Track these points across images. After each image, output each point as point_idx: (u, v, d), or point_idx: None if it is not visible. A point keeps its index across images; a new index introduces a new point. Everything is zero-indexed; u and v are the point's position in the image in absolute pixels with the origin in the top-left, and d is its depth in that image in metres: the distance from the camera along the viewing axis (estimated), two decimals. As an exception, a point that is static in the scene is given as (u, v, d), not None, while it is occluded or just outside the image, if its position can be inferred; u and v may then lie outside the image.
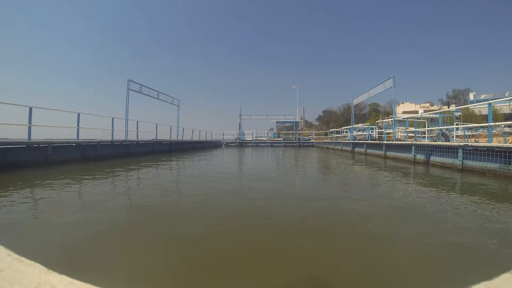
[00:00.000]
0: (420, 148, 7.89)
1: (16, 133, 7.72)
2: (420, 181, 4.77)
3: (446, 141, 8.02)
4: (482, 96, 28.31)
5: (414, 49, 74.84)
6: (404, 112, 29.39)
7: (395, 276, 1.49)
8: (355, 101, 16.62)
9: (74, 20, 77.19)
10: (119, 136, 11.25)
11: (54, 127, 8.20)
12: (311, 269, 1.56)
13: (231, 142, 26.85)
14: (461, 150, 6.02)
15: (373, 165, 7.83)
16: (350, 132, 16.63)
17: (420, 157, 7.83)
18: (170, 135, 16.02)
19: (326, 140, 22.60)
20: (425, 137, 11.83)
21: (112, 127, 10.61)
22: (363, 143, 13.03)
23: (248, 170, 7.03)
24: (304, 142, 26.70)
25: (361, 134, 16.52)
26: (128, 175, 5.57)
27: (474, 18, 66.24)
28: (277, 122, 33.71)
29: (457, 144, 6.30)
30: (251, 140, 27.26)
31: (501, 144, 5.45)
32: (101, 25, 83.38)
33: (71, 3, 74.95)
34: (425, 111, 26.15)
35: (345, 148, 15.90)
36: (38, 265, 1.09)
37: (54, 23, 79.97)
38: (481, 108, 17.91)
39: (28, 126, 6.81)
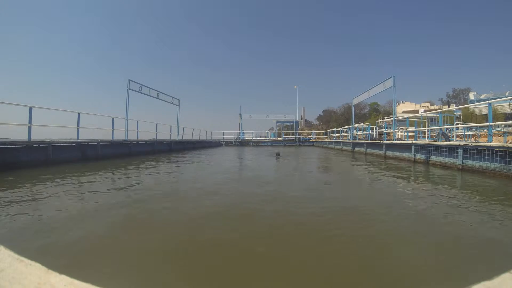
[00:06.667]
0: (420, 147, 7.88)
1: (16, 133, 7.72)
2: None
3: (446, 141, 8.02)
4: (482, 96, 28.29)
5: (415, 48, 74.77)
6: (404, 112, 29.38)
7: (394, 275, 1.49)
8: (355, 101, 16.60)
9: (75, 18, 77.05)
10: (119, 135, 11.25)
11: (54, 127, 8.20)
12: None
13: (231, 142, 26.93)
14: (461, 150, 6.01)
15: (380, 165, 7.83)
16: (350, 131, 16.60)
17: (420, 156, 7.82)
18: (170, 134, 16.02)
19: (326, 140, 22.62)
20: (425, 136, 11.82)
21: (112, 127, 10.60)
22: (363, 143, 13.02)
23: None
24: (304, 142, 26.77)
25: (361, 134, 16.50)
26: (128, 174, 5.56)
27: (475, 18, 66.21)
28: (277, 122, 33.64)
29: (457, 143, 6.30)
30: (251, 139, 27.31)
31: (501, 144, 5.45)
32: (101, 24, 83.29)
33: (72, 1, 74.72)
34: (425, 111, 26.18)
35: (345, 147, 15.90)
36: (38, 265, 1.09)
37: (54, 20, 79.78)
38: (481, 108, 17.93)
39: (28, 126, 6.81)
